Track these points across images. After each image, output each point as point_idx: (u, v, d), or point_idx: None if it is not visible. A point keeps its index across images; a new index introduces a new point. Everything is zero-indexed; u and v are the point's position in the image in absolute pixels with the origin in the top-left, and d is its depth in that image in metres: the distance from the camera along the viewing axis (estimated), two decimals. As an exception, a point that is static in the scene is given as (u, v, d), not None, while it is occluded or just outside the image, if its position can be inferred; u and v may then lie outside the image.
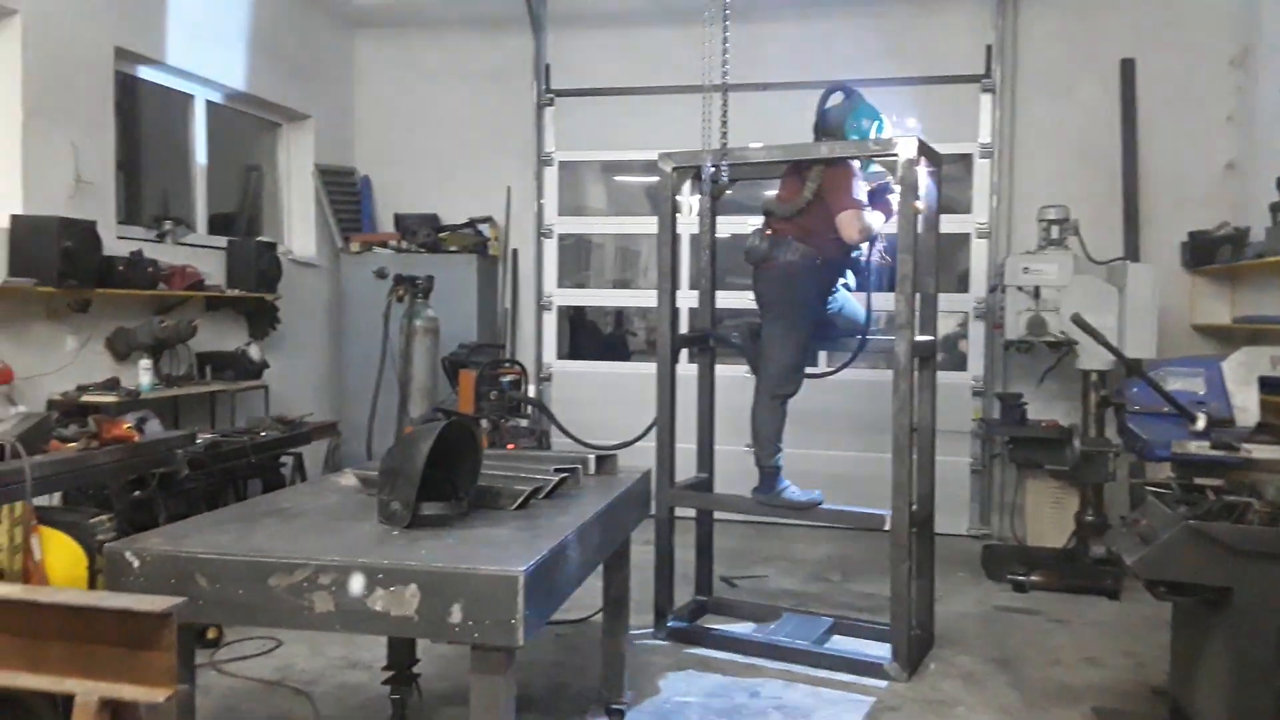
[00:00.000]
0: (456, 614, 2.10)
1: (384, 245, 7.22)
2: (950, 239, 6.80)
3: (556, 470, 2.98)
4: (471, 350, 5.60)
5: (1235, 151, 6.33)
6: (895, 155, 4.06)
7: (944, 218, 6.60)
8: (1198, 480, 3.06)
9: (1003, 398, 5.96)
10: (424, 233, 7.03)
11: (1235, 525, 2.69)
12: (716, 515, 5.07)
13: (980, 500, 6.78)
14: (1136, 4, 6.50)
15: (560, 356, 7.52)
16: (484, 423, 5.27)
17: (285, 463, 5.68)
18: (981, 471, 6.75)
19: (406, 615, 2.12)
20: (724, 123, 3.94)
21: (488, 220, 7.31)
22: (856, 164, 4.35)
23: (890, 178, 4.23)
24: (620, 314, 8.31)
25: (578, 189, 7.91)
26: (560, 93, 7.33)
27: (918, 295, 4.12)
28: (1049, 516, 6.08)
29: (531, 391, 7.37)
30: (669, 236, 4.60)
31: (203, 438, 4.75)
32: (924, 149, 4.17)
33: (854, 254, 4.41)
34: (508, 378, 5.43)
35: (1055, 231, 5.73)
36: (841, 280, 4.56)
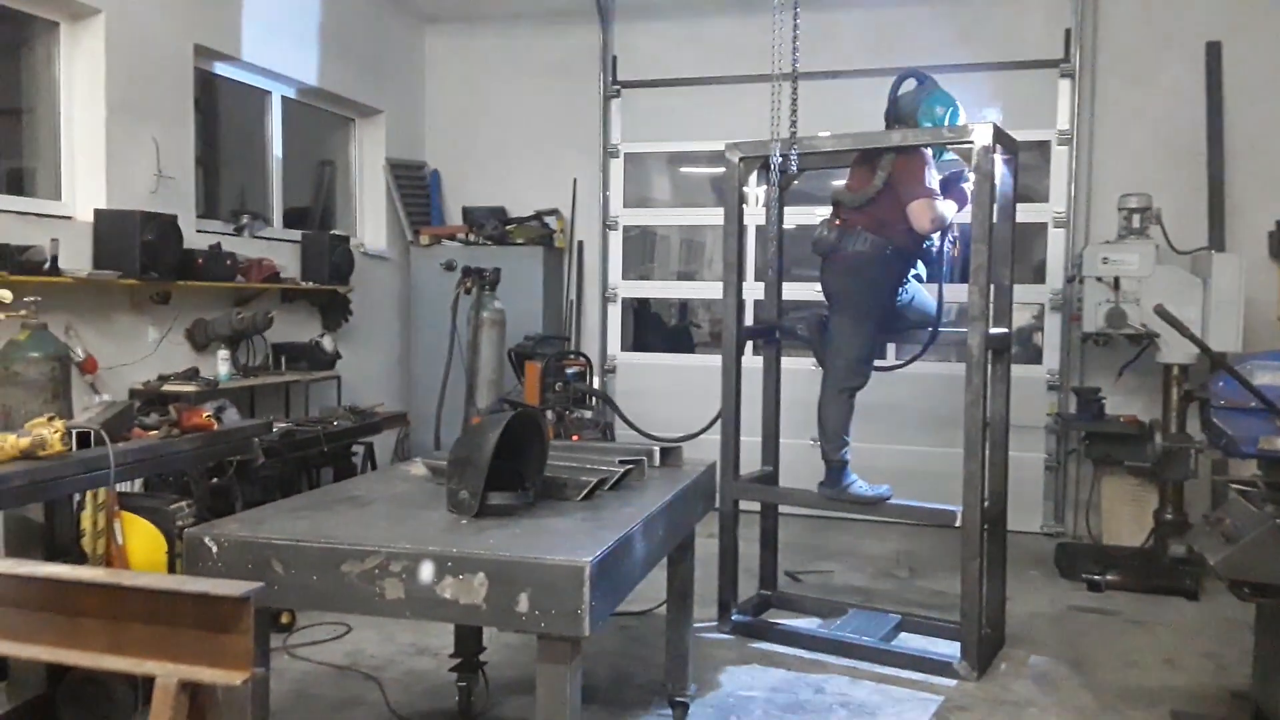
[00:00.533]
0: (523, 603, 2.11)
1: (452, 238, 7.30)
2: (1026, 228, 6.61)
3: (621, 462, 2.98)
4: (537, 342, 5.63)
5: (1330, 136, 6.06)
6: (970, 142, 3.96)
7: (1020, 207, 6.46)
8: (1287, 478, 2.93)
9: (1080, 392, 5.80)
10: (491, 225, 7.09)
11: (1327, 526, 2.57)
12: (782, 509, 5.02)
13: (1055, 497, 6.60)
14: (1223, -16, 6.25)
15: (625, 348, 7.53)
16: (549, 414, 5.30)
17: (356, 451, 5.79)
18: (1056, 468, 6.57)
19: (474, 603, 2.15)
20: (794, 110, 3.88)
21: (554, 213, 7.34)
22: (929, 152, 4.26)
23: (964, 166, 4.14)
24: (684, 306, 8.29)
25: (643, 181, 7.90)
26: (626, 84, 7.33)
27: (992, 286, 4.02)
28: (1126, 514, 5.91)
29: (596, 383, 7.45)
30: (735, 228, 4.56)
31: (278, 427, 4.86)
32: (1000, 135, 4.06)
33: (925, 244, 4.33)
34: (573, 369, 5.45)
35: (1136, 220, 5.55)
36: (913, 271, 4.47)
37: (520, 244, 7.12)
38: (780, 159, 3.94)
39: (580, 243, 7.48)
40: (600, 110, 7.34)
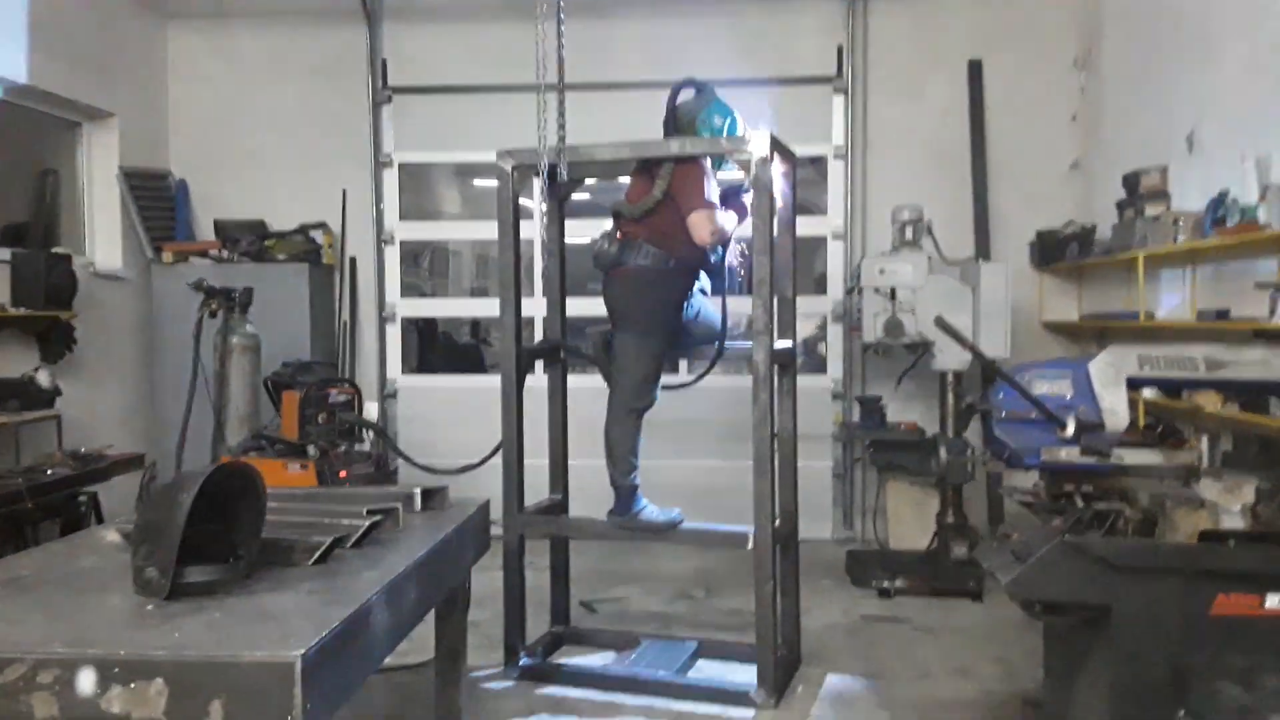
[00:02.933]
0: (216, 713, 1.67)
1: (203, 255, 6.57)
2: (807, 242, 6.67)
3: (370, 512, 2.56)
4: (297, 369, 5.06)
5: (1079, 151, 6.42)
6: (748, 153, 3.81)
7: (800, 220, 6.48)
8: (1067, 487, 2.90)
9: (862, 401, 5.84)
10: (247, 240, 6.42)
11: (1113, 540, 2.53)
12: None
13: (843, 504, 6.66)
14: (983, 5, 6.52)
15: (407, 371, 7.02)
16: (311, 449, 4.76)
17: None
18: (843, 475, 6.63)
19: (151, 718, 1.67)
20: (561, 113, 3.60)
21: (321, 226, 6.75)
22: (709, 163, 4.09)
23: (744, 177, 3.99)
24: (476, 325, 7.88)
25: (425, 193, 7.44)
26: (399, 90, 6.85)
27: (775, 299, 3.87)
28: (910, 518, 6.00)
29: (373, 411, 6.87)
30: (511, 240, 4.23)
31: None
32: (778, 146, 3.94)
33: (710, 257, 4.15)
34: (339, 397, 4.92)
35: (909, 232, 5.63)
36: (697, 285, 4.29)
37: (282, 260, 6.50)
38: (549, 166, 3.64)
39: (353, 259, 6.91)
40: (370, 116, 6.82)
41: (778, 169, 4.03)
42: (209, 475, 2.00)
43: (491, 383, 6.79)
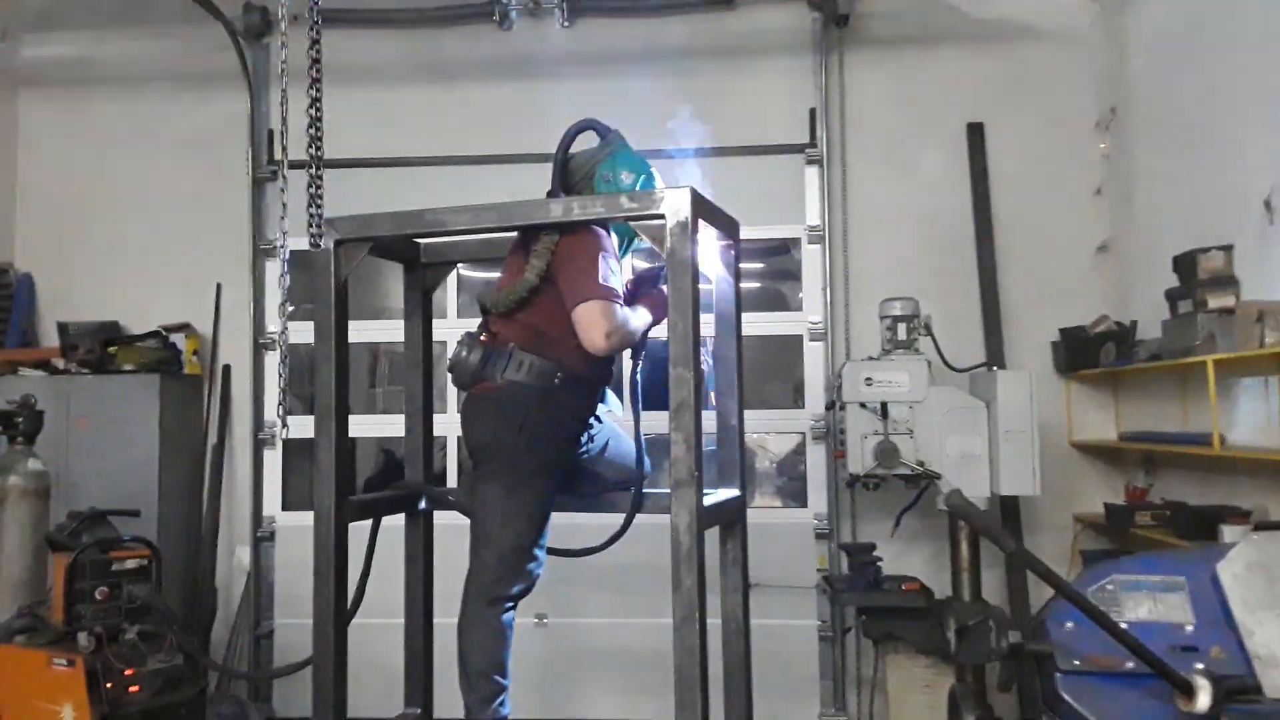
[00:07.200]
0: None
1: (37, 365, 5.34)
2: (778, 342, 5.47)
3: None
4: (83, 520, 3.73)
5: (1107, 230, 5.24)
6: (660, 215, 2.58)
7: (770, 317, 5.29)
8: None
9: (850, 551, 4.52)
10: (85, 348, 5.18)
11: None
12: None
13: (833, 675, 5.23)
14: (982, 58, 5.42)
15: (291, 506, 5.68)
16: (82, 639, 3.40)
17: None
18: (832, 637, 5.23)
19: None
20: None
21: (184, 328, 5.53)
22: (609, 238, 2.88)
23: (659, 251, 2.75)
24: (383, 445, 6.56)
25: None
26: (294, 164, 5.71)
27: (701, 431, 2.58)
28: (920, 703, 4.60)
29: (244, 557, 5.56)
30: (332, 347, 2.96)
31: None
32: (706, 209, 2.73)
33: (610, 367, 2.90)
34: (128, 563, 3.59)
35: (903, 331, 4.43)
36: (603, 406, 3.03)
37: (129, 371, 5.25)
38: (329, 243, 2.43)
39: (227, 367, 5.67)
40: (249, 197, 5.67)
41: (710, 240, 2.82)
42: None
43: (396, 518, 5.44)
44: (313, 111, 3.33)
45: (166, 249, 5.74)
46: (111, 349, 5.25)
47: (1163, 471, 4.78)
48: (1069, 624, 1.95)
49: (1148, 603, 1.85)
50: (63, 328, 5.50)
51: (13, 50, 5.59)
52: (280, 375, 3.82)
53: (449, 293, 5.54)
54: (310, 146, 3.35)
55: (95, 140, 5.86)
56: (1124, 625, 1.76)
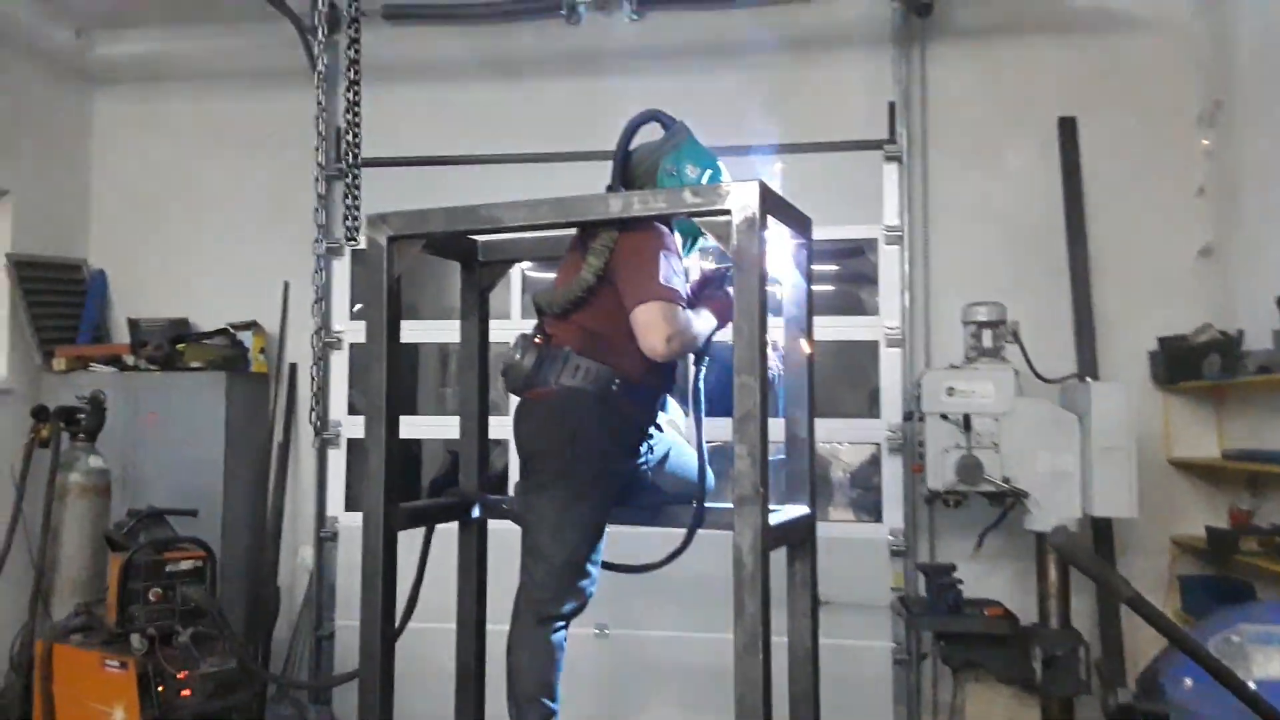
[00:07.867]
0: None
1: (109, 361, 5.38)
2: (853, 348, 5.23)
3: None
4: (141, 520, 3.69)
5: (1211, 233, 4.88)
6: (725, 211, 2.40)
7: (844, 321, 5.05)
8: None
9: (929, 571, 4.26)
10: (154, 344, 5.20)
11: None
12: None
13: (908, 700, 4.96)
14: (1075, 49, 5.11)
15: (353, 507, 5.62)
16: (135, 640, 3.36)
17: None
18: (907, 661, 4.96)
19: None
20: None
21: (251, 326, 5.52)
22: (673, 236, 2.71)
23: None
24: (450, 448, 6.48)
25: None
26: (369, 162, 5.68)
27: (767, 444, 2.38)
28: (1000, 733, 4.33)
29: (308, 557, 5.53)
30: (383, 345, 2.84)
31: None
32: (775, 203, 2.54)
33: (674, 373, 2.73)
34: (183, 564, 3.54)
35: (988, 338, 4.17)
36: (664, 414, 2.86)
37: (197, 369, 5.25)
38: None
39: (293, 365, 5.65)
40: (316, 194, 5.62)
41: (781, 238, 2.63)
42: None
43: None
44: (350, 116, 3.26)
45: (235, 246, 5.75)
46: (180, 346, 5.27)
47: (1270, 493, 4.42)
48: (1187, 680, 1.70)
49: (1276, 656, 1.60)
50: (133, 324, 5.55)
51: (87, 48, 5.63)
52: (313, 378, 3.74)
53: (512, 293, 5.42)
54: (348, 136, 3.27)
55: (167, 137, 5.92)
56: (1253, 685, 1.51)
